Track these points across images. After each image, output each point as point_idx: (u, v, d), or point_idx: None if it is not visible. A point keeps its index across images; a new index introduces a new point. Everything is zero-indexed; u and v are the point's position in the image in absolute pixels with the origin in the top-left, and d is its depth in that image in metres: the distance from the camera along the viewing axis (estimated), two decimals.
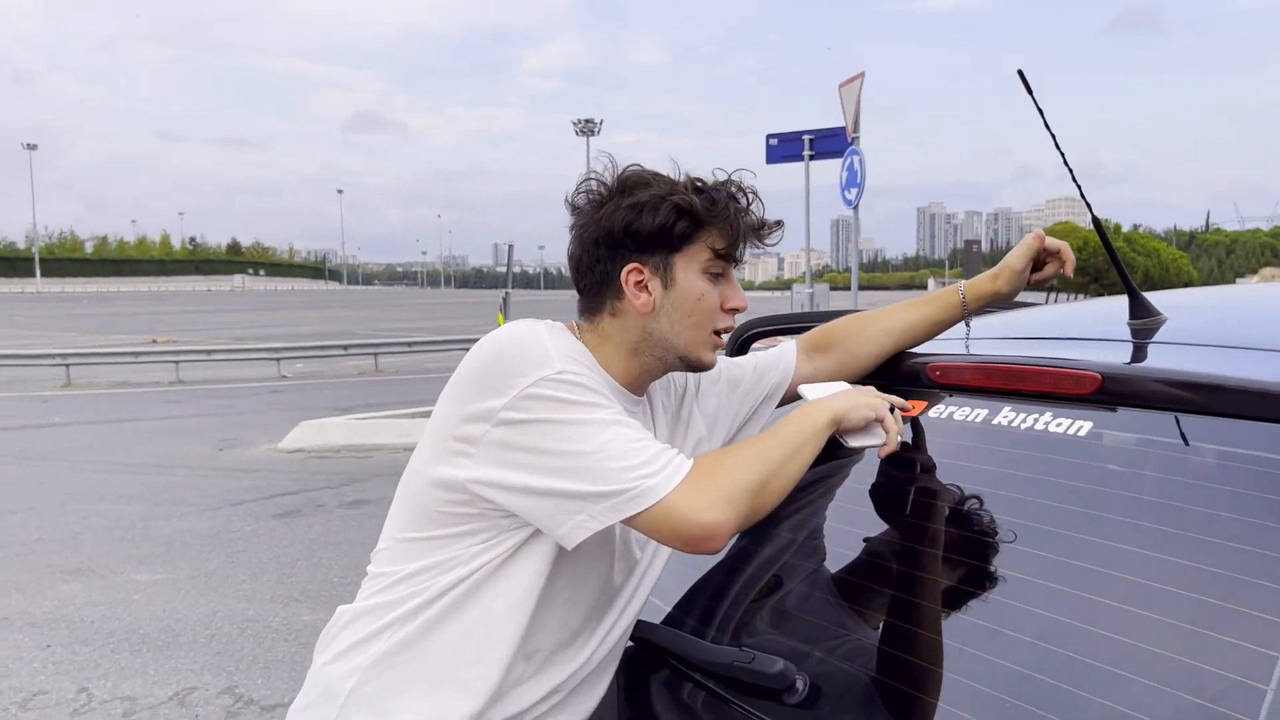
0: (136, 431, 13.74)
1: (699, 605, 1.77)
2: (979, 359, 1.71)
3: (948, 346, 1.85)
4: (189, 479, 10.15)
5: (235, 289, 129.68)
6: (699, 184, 1.56)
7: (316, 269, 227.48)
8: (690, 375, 1.77)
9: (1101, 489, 1.39)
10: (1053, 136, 1.67)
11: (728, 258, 1.57)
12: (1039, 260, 1.81)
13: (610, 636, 1.63)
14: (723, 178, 1.58)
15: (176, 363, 21.21)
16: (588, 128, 61.02)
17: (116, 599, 6.22)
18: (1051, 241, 1.79)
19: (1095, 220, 1.73)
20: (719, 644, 1.62)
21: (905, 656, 1.43)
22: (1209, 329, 1.73)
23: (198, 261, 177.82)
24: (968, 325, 1.86)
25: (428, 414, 1.55)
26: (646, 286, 1.56)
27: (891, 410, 1.54)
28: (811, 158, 14.27)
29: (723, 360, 1.83)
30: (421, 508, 1.52)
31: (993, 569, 1.42)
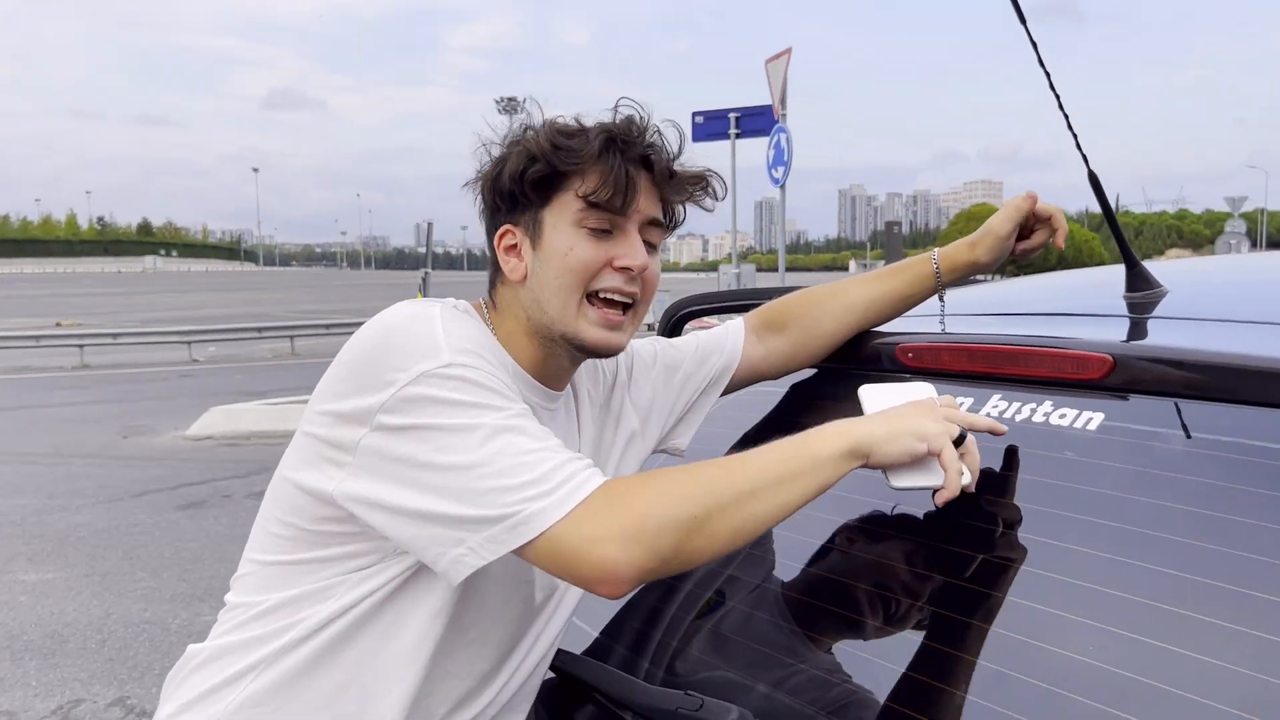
0: (34, 419, 13.12)
1: (629, 630, 1.51)
2: (960, 338, 1.46)
3: (920, 324, 1.60)
4: (88, 469, 9.65)
5: (146, 270, 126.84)
6: (578, 124, 1.29)
7: (231, 250, 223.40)
8: (620, 360, 1.51)
9: (1118, 495, 1.15)
10: (1047, 75, 1.43)
11: (607, 208, 1.26)
12: (1026, 227, 1.57)
13: (523, 669, 1.36)
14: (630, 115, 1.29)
15: (81, 346, 20.39)
16: (511, 106, 60.08)
17: (0, 601, 5.78)
18: (1043, 206, 1.55)
19: (1092, 175, 1.49)
20: (654, 680, 1.36)
21: (888, 704, 1.18)
22: (1221, 302, 1.51)
23: (107, 243, 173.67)
24: (942, 300, 1.62)
25: None
26: (519, 250, 1.31)
27: (961, 440, 1.16)
28: (738, 136, 14.08)
29: (660, 342, 1.58)
30: (289, 524, 1.24)
31: (990, 593, 1.18)
